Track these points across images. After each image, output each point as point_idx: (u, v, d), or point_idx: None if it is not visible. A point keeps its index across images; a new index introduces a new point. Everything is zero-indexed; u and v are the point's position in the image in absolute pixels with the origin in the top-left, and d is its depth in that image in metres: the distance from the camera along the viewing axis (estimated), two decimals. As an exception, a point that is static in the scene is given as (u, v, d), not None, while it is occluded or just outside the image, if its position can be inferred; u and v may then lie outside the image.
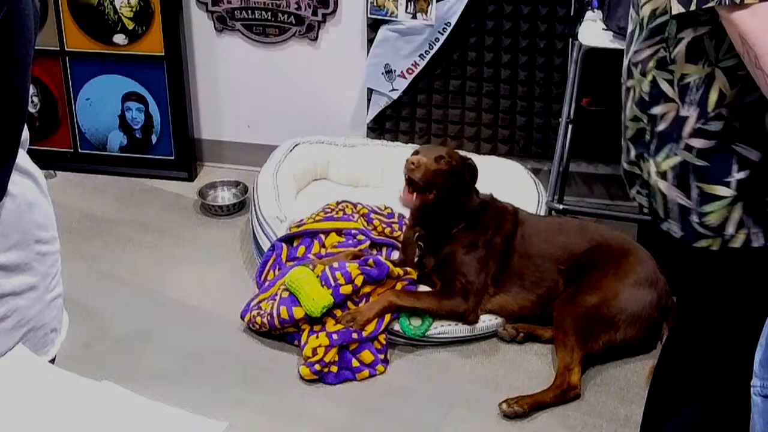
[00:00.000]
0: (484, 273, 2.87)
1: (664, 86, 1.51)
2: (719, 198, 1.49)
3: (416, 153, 2.91)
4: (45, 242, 1.43)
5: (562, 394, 2.62)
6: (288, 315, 2.75)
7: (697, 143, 1.48)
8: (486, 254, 2.87)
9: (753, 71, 1.35)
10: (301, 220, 3.17)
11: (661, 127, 1.53)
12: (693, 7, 1.38)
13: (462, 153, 3.05)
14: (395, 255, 3.08)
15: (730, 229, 1.51)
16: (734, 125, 1.44)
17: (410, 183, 2.85)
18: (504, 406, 2.57)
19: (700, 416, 1.78)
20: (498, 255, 2.89)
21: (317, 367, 2.68)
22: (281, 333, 2.83)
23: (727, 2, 1.34)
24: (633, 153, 1.63)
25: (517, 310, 2.90)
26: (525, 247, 2.90)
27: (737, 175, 1.47)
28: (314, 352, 2.69)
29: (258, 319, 2.82)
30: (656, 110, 1.54)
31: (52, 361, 1.50)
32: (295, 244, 3.08)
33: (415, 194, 2.85)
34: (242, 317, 2.89)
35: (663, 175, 1.54)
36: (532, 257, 2.90)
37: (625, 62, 1.63)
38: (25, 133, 1.36)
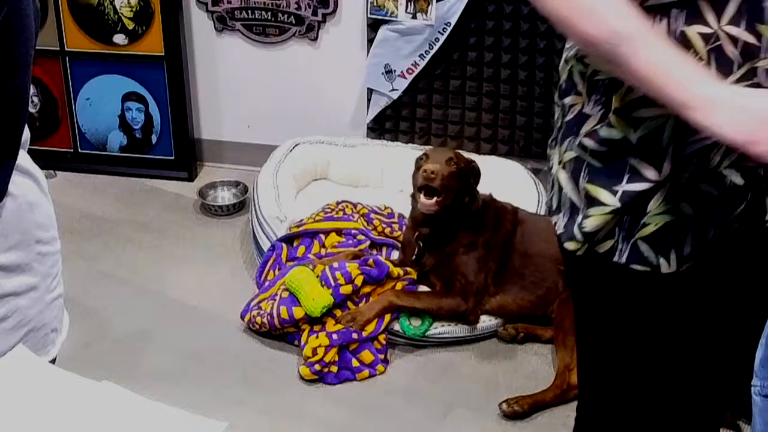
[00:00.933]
0: (484, 273, 2.87)
1: (577, 78, 1.43)
2: (601, 204, 1.38)
3: (426, 157, 2.88)
4: (45, 242, 1.43)
5: (562, 394, 2.62)
6: (288, 315, 2.75)
7: (590, 144, 1.38)
8: (486, 254, 2.87)
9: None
10: (301, 220, 3.17)
11: (568, 117, 1.45)
12: None
13: (465, 154, 3.05)
14: (395, 255, 3.08)
15: (600, 234, 1.41)
16: (629, 137, 1.33)
17: (427, 189, 2.81)
18: (504, 406, 2.57)
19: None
20: (498, 255, 2.88)
21: (317, 367, 2.68)
22: (281, 333, 2.83)
23: None
24: (551, 137, 1.55)
25: (517, 310, 2.90)
26: (525, 247, 2.90)
27: (625, 186, 1.35)
28: (314, 352, 2.69)
29: (258, 319, 2.82)
30: (567, 100, 1.45)
31: (53, 361, 1.50)
32: (295, 244, 3.08)
33: (434, 199, 2.80)
34: (242, 317, 2.89)
35: (564, 166, 1.45)
36: (532, 257, 2.90)
37: None
38: (26, 134, 1.36)
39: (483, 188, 2.97)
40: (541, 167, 3.66)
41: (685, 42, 1.25)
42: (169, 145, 3.86)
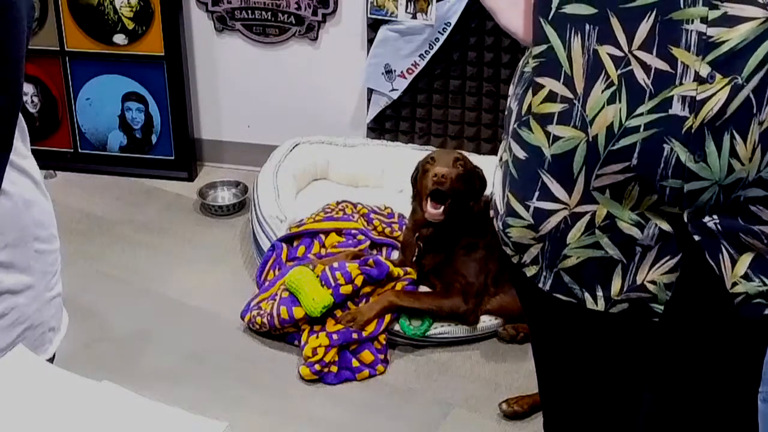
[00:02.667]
0: (484, 274, 2.86)
1: (519, 68, 1.36)
2: (518, 216, 1.33)
3: (433, 160, 2.87)
4: (43, 240, 1.43)
5: None
6: (288, 315, 2.75)
7: (514, 147, 1.32)
8: (486, 255, 2.87)
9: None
10: (301, 220, 3.17)
11: (507, 110, 1.38)
12: None
13: (465, 155, 3.04)
14: (395, 255, 3.08)
15: (526, 258, 1.36)
16: (542, 150, 1.26)
17: (436, 195, 2.79)
18: (504, 406, 2.57)
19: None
20: (498, 256, 2.88)
21: (317, 367, 2.68)
22: (281, 333, 2.83)
23: None
24: None
25: (517, 311, 2.89)
26: None
27: (536, 203, 1.30)
28: (314, 352, 2.69)
29: (258, 319, 2.82)
30: (510, 90, 1.39)
31: (52, 359, 1.51)
32: (295, 244, 3.08)
33: (442, 208, 2.79)
34: (242, 317, 2.89)
35: (500, 164, 1.41)
36: None
37: None
38: (25, 129, 1.36)
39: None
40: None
41: (597, 62, 1.18)
42: (169, 145, 3.86)
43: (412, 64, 3.58)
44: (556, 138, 1.24)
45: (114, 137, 3.90)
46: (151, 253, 3.36)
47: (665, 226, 1.24)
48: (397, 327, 2.82)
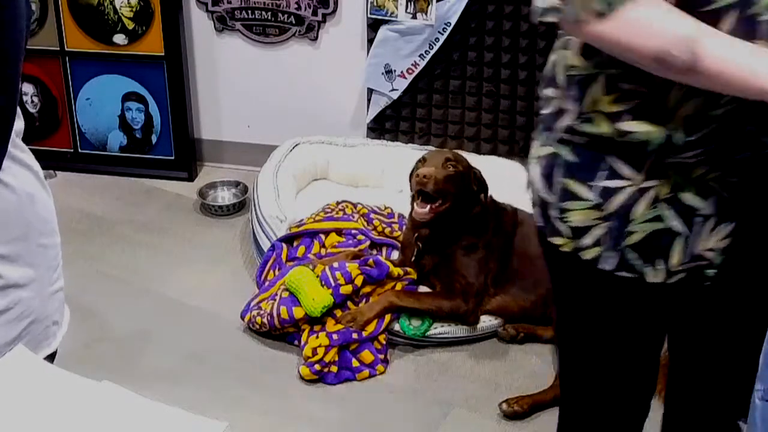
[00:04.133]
0: (484, 274, 2.86)
1: (558, 70, 1.41)
2: (580, 199, 1.38)
3: (423, 161, 2.88)
4: (46, 234, 1.44)
5: None
6: (288, 315, 2.75)
7: (571, 139, 1.38)
8: (486, 255, 2.87)
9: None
10: (301, 220, 3.17)
11: (545, 110, 1.44)
12: (536, 20, 1.29)
13: (465, 156, 3.04)
14: (395, 255, 3.08)
15: (587, 240, 1.40)
16: (609, 136, 1.33)
17: (422, 195, 2.80)
18: (504, 406, 2.57)
19: None
20: (498, 256, 2.88)
21: (317, 367, 2.68)
22: (281, 333, 2.83)
23: (570, 18, 1.22)
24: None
25: (517, 311, 2.90)
26: (525, 248, 2.90)
27: (602, 183, 1.35)
28: (314, 352, 2.69)
29: (258, 319, 2.82)
30: (547, 92, 1.44)
31: (54, 354, 1.51)
32: (295, 244, 3.08)
33: (429, 207, 2.79)
34: (242, 317, 2.89)
35: (538, 160, 1.45)
36: (532, 258, 2.89)
37: None
38: (20, 123, 1.36)
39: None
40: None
41: None
42: (169, 145, 3.86)
43: (412, 64, 3.58)
44: (629, 133, 1.31)
45: (114, 137, 3.90)
46: (151, 253, 3.36)
47: (726, 194, 1.32)
48: (397, 327, 2.82)
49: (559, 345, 1.70)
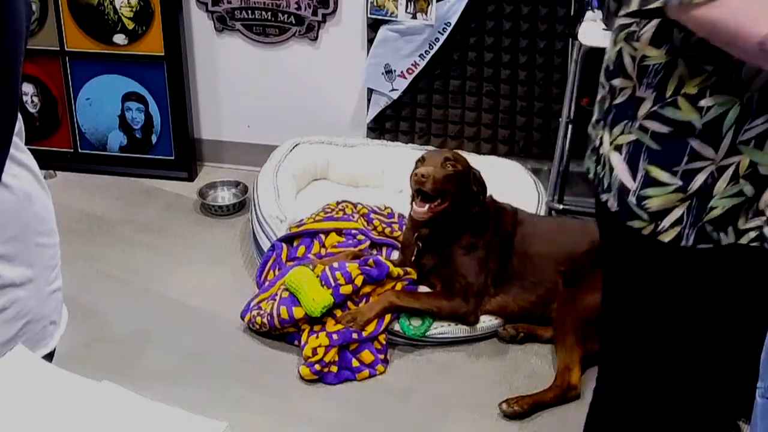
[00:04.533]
0: (484, 274, 2.86)
1: (627, 61, 1.49)
2: (663, 185, 1.46)
3: (422, 160, 2.87)
4: (44, 234, 1.44)
5: (563, 394, 2.62)
6: (288, 315, 2.75)
7: (653, 126, 1.46)
8: (486, 255, 2.87)
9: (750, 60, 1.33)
10: (301, 220, 3.17)
11: (618, 100, 1.51)
12: (635, 7, 1.34)
13: (465, 156, 3.03)
14: (395, 255, 3.08)
15: (666, 222, 1.48)
16: (692, 123, 1.41)
17: (421, 194, 2.79)
18: (504, 406, 2.57)
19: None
20: (497, 256, 2.88)
21: (317, 367, 2.68)
22: (281, 333, 2.83)
23: (675, 2, 1.29)
24: (595, 116, 1.61)
25: (517, 311, 2.90)
26: (524, 248, 2.90)
27: (685, 167, 1.44)
28: (314, 352, 2.68)
29: (258, 319, 2.82)
30: (616, 83, 1.52)
31: (52, 353, 1.51)
32: (295, 244, 3.08)
33: (427, 206, 2.79)
34: (242, 317, 2.89)
35: (618, 148, 1.52)
36: (532, 258, 2.89)
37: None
38: (20, 125, 1.36)
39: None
40: (541, 167, 3.66)
41: None
42: (169, 145, 3.86)
43: (412, 64, 3.58)
44: (709, 108, 1.39)
45: (114, 137, 3.90)
46: (151, 253, 3.36)
47: None
48: (397, 327, 2.82)
49: (624, 333, 1.71)
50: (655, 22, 1.43)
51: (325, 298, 2.74)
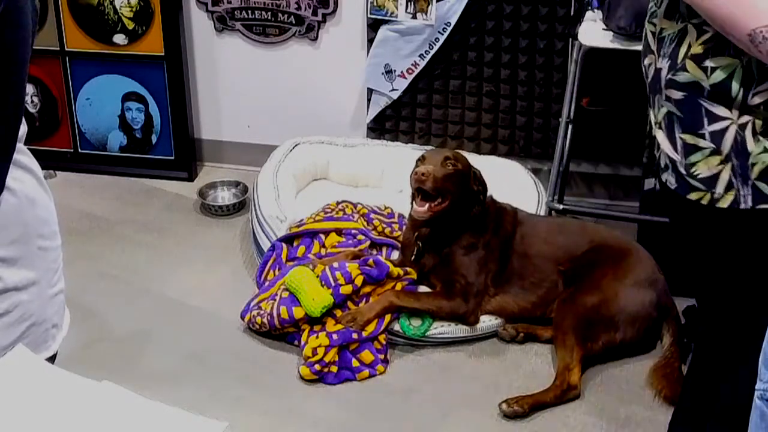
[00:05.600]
0: (484, 274, 2.86)
1: (650, 38, 1.61)
2: (699, 149, 1.55)
3: (422, 159, 2.87)
4: (46, 237, 1.44)
5: (562, 393, 2.62)
6: (288, 315, 2.75)
7: (672, 94, 1.56)
8: (485, 255, 2.87)
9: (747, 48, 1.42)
10: (301, 220, 3.17)
11: (649, 77, 1.62)
12: None
13: (464, 154, 3.03)
14: (395, 255, 3.08)
15: (719, 188, 1.55)
16: (701, 83, 1.51)
17: (421, 193, 2.78)
18: (504, 406, 2.57)
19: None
20: (497, 256, 2.88)
21: (317, 367, 2.68)
22: (281, 333, 2.83)
23: None
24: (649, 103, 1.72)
25: (517, 311, 2.90)
26: (524, 248, 2.90)
27: (709, 128, 1.52)
28: (314, 352, 2.68)
29: (258, 319, 2.82)
30: (645, 61, 1.64)
31: (54, 356, 1.51)
32: (295, 244, 3.08)
33: (428, 205, 2.78)
34: (242, 317, 2.89)
35: (659, 125, 1.62)
36: (532, 258, 2.89)
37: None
38: (23, 129, 1.36)
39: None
40: (541, 167, 3.66)
41: None
42: (169, 145, 3.86)
43: (412, 64, 3.58)
44: (713, 70, 1.48)
45: (114, 137, 3.90)
46: (151, 253, 3.36)
47: None
48: (397, 327, 2.82)
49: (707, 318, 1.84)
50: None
51: (325, 298, 2.74)
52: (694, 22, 1.49)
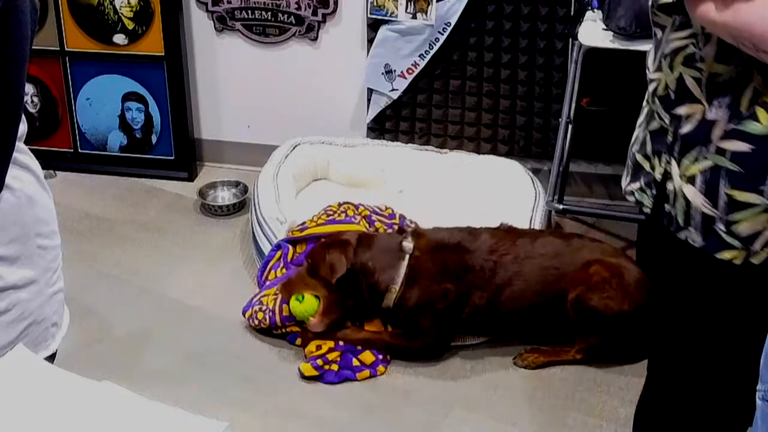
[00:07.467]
0: (448, 322, 2.78)
1: (690, 84, 1.41)
2: (750, 206, 1.40)
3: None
4: (45, 236, 1.44)
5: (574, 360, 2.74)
6: (290, 312, 2.76)
7: (732, 146, 1.39)
8: (443, 306, 2.75)
9: (759, 57, 1.29)
10: (303, 223, 3.16)
11: (685, 129, 1.43)
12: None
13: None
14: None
15: (757, 245, 1.42)
16: None
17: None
18: (518, 360, 2.76)
19: None
20: (458, 298, 2.75)
21: (319, 362, 2.68)
22: (282, 332, 2.83)
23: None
24: (649, 147, 1.52)
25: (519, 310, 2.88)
26: (505, 259, 2.78)
27: None
28: (317, 347, 2.70)
29: (260, 314, 2.82)
30: (681, 111, 1.44)
31: (53, 355, 1.51)
32: (299, 251, 3.06)
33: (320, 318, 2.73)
34: (243, 313, 2.89)
35: (690, 179, 1.44)
36: (520, 262, 2.80)
37: (653, 52, 1.52)
38: (23, 128, 1.37)
39: (483, 188, 2.94)
40: (541, 167, 3.66)
41: None
42: (169, 145, 3.86)
43: (412, 64, 3.58)
44: None
45: (114, 137, 3.90)
46: (151, 253, 3.36)
47: None
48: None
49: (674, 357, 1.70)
50: (715, 39, 1.37)
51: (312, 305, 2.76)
52: (765, 64, 1.32)
